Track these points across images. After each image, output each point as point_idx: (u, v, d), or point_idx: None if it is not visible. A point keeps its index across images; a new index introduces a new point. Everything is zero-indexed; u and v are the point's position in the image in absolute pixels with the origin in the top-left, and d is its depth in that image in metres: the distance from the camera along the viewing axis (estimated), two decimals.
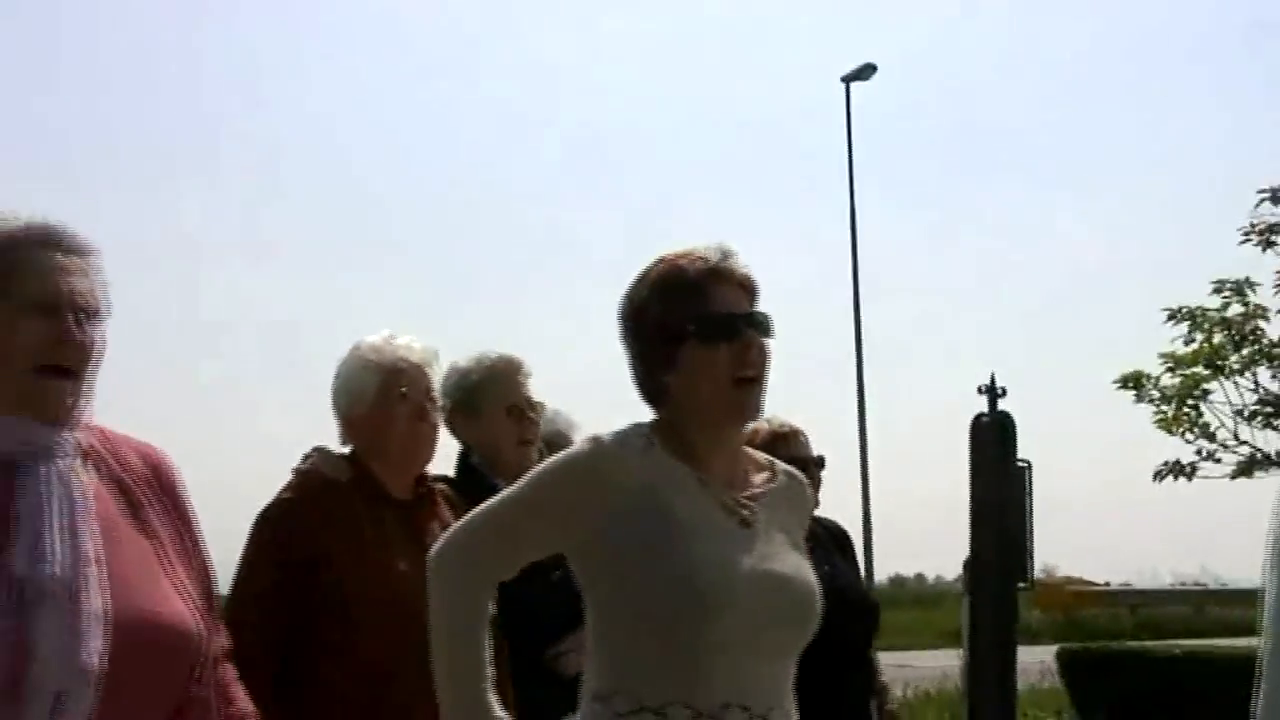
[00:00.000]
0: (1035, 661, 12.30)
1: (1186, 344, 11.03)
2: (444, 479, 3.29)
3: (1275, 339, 10.87)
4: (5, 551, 1.77)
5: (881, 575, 29.02)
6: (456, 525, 2.21)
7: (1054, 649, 12.68)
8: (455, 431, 3.47)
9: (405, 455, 3.04)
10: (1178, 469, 10.87)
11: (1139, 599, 27.51)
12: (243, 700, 2.09)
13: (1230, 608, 26.42)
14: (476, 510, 2.18)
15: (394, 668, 2.74)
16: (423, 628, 2.14)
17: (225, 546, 2.55)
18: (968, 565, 5.91)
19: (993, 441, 5.74)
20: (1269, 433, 10.88)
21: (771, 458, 2.34)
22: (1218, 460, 10.91)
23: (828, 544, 3.84)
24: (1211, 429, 10.91)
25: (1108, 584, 29.99)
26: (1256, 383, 10.94)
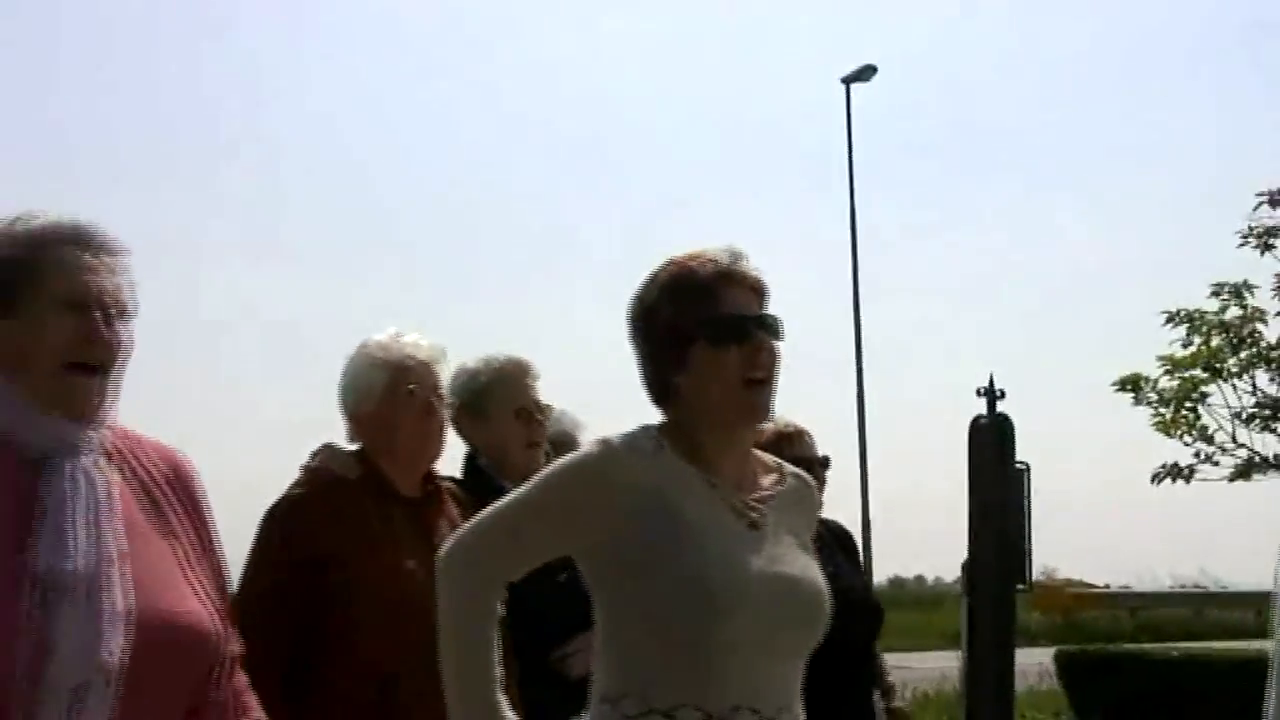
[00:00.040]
0: (1034, 663, 12.33)
1: (1185, 347, 11.05)
2: (450, 480, 3.28)
3: (1273, 342, 10.88)
4: (28, 547, 1.78)
5: (881, 577, 29.03)
6: (465, 527, 2.21)
7: (1052, 651, 12.71)
8: (462, 433, 3.46)
9: (413, 452, 3.03)
10: (1176, 472, 10.89)
11: (1138, 601, 27.49)
12: (256, 710, 2.10)
13: (1230, 610, 26.43)
14: (485, 512, 2.18)
15: (402, 667, 2.73)
16: (431, 627, 2.14)
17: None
18: (966, 567, 5.94)
19: (991, 444, 5.77)
20: (1267, 435, 10.91)
21: (780, 460, 2.34)
22: (1216, 463, 10.93)
23: (831, 545, 3.86)
24: (1210, 432, 10.93)
25: (1107, 586, 29.97)
26: (1254, 385, 10.96)
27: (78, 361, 1.89)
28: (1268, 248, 10.94)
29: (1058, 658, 11.94)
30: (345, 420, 3.06)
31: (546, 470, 2.17)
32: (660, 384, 2.20)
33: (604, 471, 2.09)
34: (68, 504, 1.83)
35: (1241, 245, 10.98)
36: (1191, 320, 10.99)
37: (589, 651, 3.08)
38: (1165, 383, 11.09)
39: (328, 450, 3.04)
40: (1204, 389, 10.99)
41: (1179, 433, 10.95)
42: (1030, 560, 6.12)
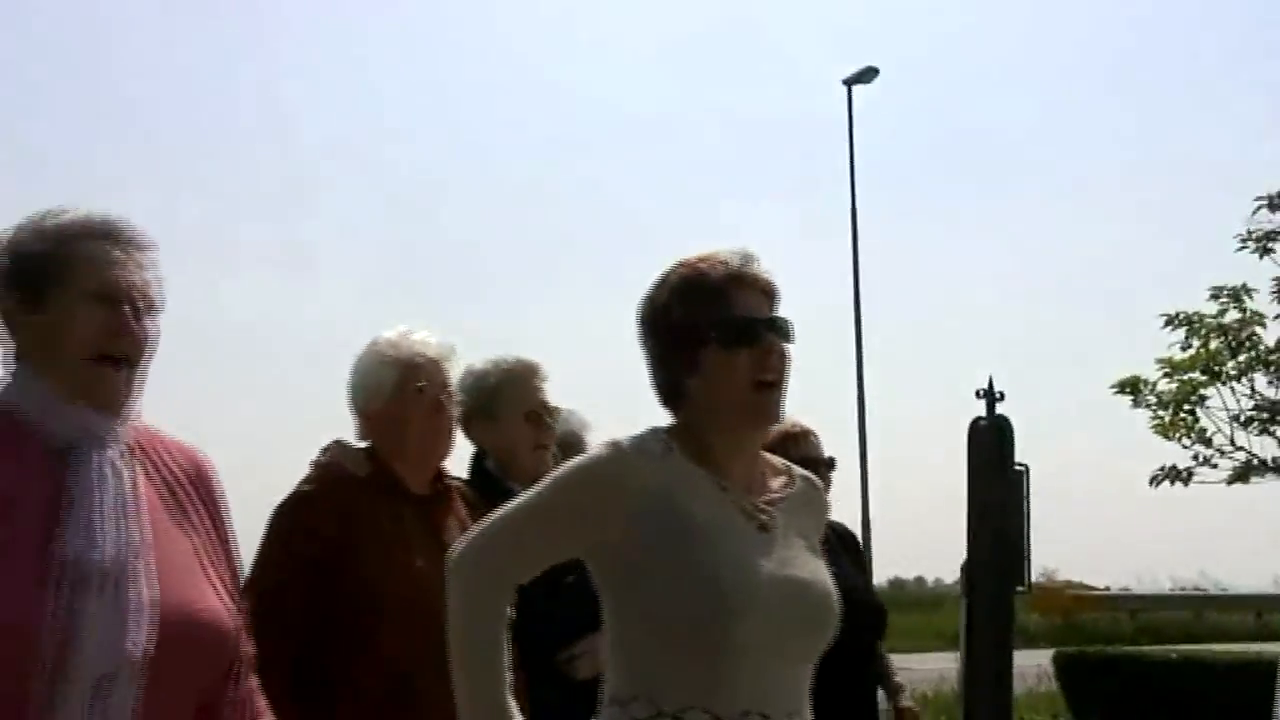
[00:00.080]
0: (1033, 665, 12.35)
1: (1184, 350, 11.09)
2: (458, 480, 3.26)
3: (1272, 345, 10.92)
4: (56, 536, 1.80)
5: (881, 578, 29.01)
6: (475, 530, 2.20)
7: (1051, 652, 12.72)
8: (471, 435, 3.45)
9: (423, 450, 3.03)
10: (1174, 474, 10.92)
11: (1138, 603, 27.48)
12: (266, 714, 2.10)
13: (1230, 613, 26.44)
14: (495, 515, 2.17)
15: (413, 666, 2.73)
16: (442, 626, 2.14)
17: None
18: (965, 568, 5.96)
19: (990, 445, 5.78)
20: (1265, 439, 10.94)
21: (788, 463, 2.34)
22: (1214, 466, 10.97)
23: (835, 545, 3.89)
24: (1208, 434, 10.97)
25: (1107, 588, 29.93)
26: (1253, 389, 11.00)
27: (105, 354, 1.91)
28: (1267, 251, 10.99)
29: (1056, 659, 11.96)
30: (354, 418, 3.06)
31: (555, 473, 2.16)
32: (670, 386, 2.19)
33: (613, 474, 2.08)
34: (95, 495, 1.85)
35: (1241, 249, 11.04)
36: (1190, 323, 11.02)
37: (595, 653, 3.11)
38: (1164, 385, 11.14)
39: (337, 447, 3.03)
40: (1203, 392, 11.03)
41: (1177, 435, 10.99)
42: (1029, 562, 6.13)
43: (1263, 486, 11.00)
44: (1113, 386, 11.27)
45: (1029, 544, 6.09)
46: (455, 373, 3.14)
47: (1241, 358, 10.94)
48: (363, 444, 3.05)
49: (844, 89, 22.12)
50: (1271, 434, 10.90)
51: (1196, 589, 30.82)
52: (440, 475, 3.10)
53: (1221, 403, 11.05)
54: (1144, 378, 11.18)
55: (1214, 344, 10.97)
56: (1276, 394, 10.97)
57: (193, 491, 2.02)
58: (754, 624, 2.02)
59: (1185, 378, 11.03)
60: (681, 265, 2.21)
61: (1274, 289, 10.91)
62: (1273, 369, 10.91)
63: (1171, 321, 11.08)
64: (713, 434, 2.16)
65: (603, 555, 2.10)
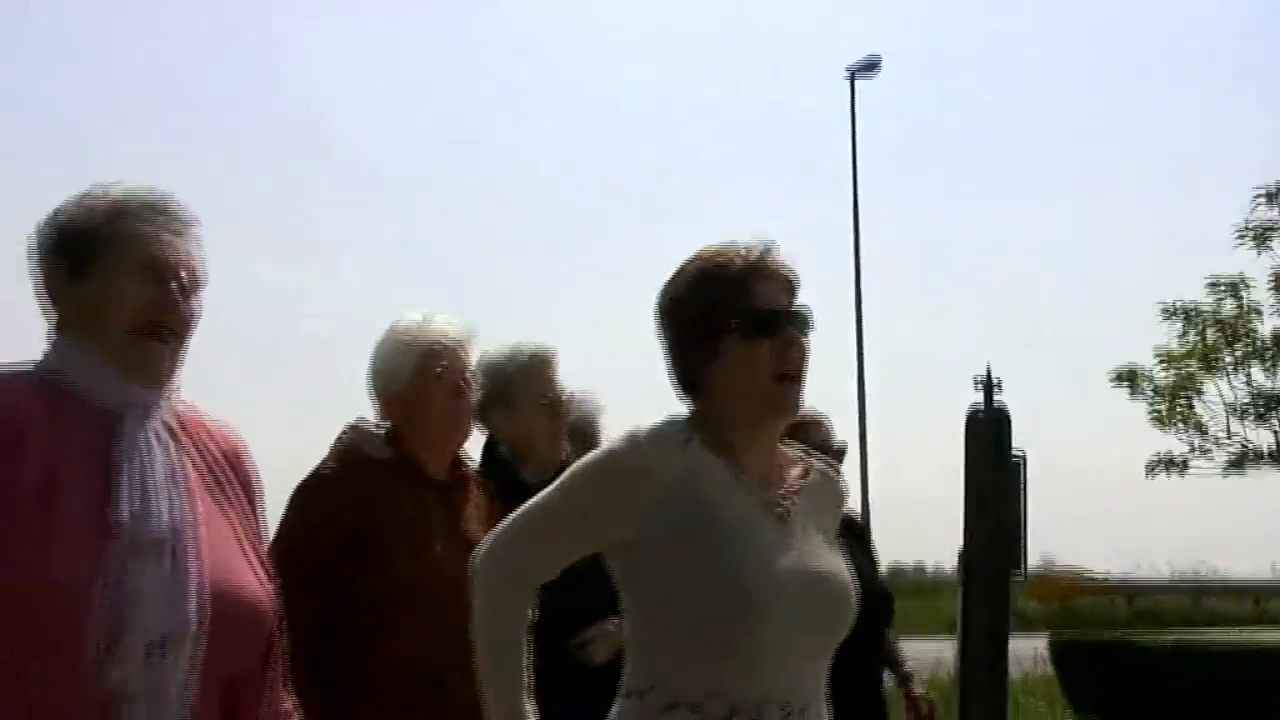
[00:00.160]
0: (1030, 650, 12.47)
1: (1181, 341, 11.20)
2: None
3: (1268, 337, 11.03)
4: (109, 501, 1.80)
5: (880, 564, 29.02)
6: (499, 529, 2.17)
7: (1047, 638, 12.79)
8: (487, 423, 3.43)
9: (443, 434, 3.01)
10: (1170, 463, 11.03)
11: (1135, 590, 27.56)
12: (286, 700, 2.08)
13: (1228, 600, 26.50)
14: (518, 514, 2.15)
15: (434, 653, 2.72)
16: (461, 613, 2.14)
17: None
18: (962, 555, 6.03)
19: (988, 434, 5.85)
20: (1260, 429, 11.06)
21: (805, 451, 2.32)
22: (1210, 455, 11.08)
23: (844, 533, 3.97)
24: (1204, 424, 11.09)
25: (1107, 575, 29.97)
26: (1249, 379, 11.12)
27: (150, 327, 1.90)
28: (1264, 244, 11.09)
29: (1051, 644, 12.02)
30: (374, 402, 3.04)
31: (575, 468, 2.14)
32: (688, 376, 2.16)
33: (633, 467, 2.07)
34: (145, 464, 1.85)
35: (1238, 242, 11.15)
36: (1188, 315, 11.12)
37: (608, 636, 3.18)
38: (1161, 376, 11.25)
39: (357, 429, 3.02)
40: (1199, 382, 11.14)
41: (1174, 425, 11.11)
42: (1025, 549, 6.22)
43: (1259, 476, 11.13)
44: (1111, 376, 11.38)
45: (1026, 531, 6.17)
46: (475, 357, 3.11)
47: (1238, 349, 11.04)
48: (383, 428, 3.03)
49: (846, 80, 22.16)
50: (1267, 424, 11.01)
51: (1195, 576, 30.87)
52: (459, 461, 3.08)
53: (1218, 393, 11.18)
54: (1142, 368, 11.28)
55: (1211, 335, 11.07)
56: (1272, 385, 11.08)
57: (230, 472, 2.02)
58: (774, 616, 2.01)
59: (1182, 368, 11.13)
60: (701, 255, 2.17)
61: (1271, 281, 11.02)
62: (1268, 360, 11.01)
63: (1169, 313, 11.17)
64: (731, 425, 2.13)
65: (623, 547, 2.08)
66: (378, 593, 2.80)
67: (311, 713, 2.19)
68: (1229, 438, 11.03)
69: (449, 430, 3.03)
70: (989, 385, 5.85)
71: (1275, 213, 11.11)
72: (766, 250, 2.16)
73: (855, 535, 4.19)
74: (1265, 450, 10.98)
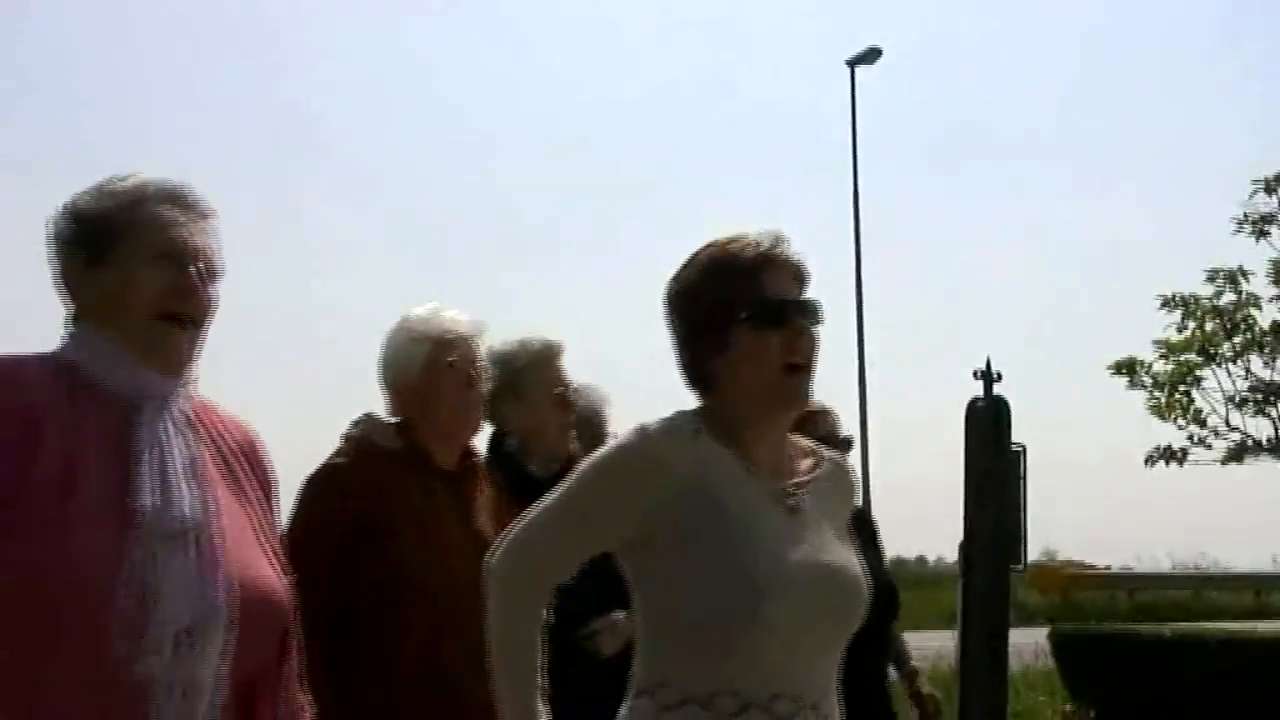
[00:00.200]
0: (1031, 643, 12.46)
1: (1180, 331, 11.19)
2: None
3: (1267, 327, 11.02)
4: (130, 490, 1.80)
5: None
6: (513, 529, 2.15)
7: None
8: (496, 415, 3.42)
9: (454, 425, 3.02)
10: (1169, 454, 11.03)
11: (1136, 582, 27.58)
12: (301, 694, 2.08)
13: (1228, 592, 26.52)
14: (532, 514, 2.14)
15: (443, 644, 2.73)
16: (469, 603, 2.14)
17: None
18: (962, 547, 6.03)
19: (988, 425, 5.85)
20: (1260, 419, 11.06)
21: (817, 444, 2.31)
22: (1209, 446, 11.08)
23: (853, 527, 3.95)
24: (1203, 415, 11.08)
25: (1109, 567, 30.02)
26: (1248, 370, 11.11)
27: (170, 313, 1.90)
28: (1263, 234, 11.09)
29: (1051, 636, 12.03)
30: (385, 394, 3.05)
31: (585, 464, 2.13)
32: (697, 367, 2.16)
33: (643, 463, 2.05)
34: (164, 453, 1.85)
35: (1237, 232, 11.14)
36: (1186, 305, 11.11)
37: (615, 627, 3.18)
38: (1160, 366, 11.24)
39: (369, 420, 3.02)
40: (1198, 373, 11.14)
41: (1173, 416, 11.10)
42: (1025, 540, 6.22)
43: (1259, 466, 11.13)
44: (1110, 367, 11.37)
45: (1026, 523, 6.17)
46: (485, 348, 3.12)
47: (1237, 339, 11.04)
48: (393, 419, 3.04)
49: (847, 70, 22.13)
50: (1266, 415, 11.01)
51: (1197, 568, 30.91)
52: (469, 452, 3.09)
53: (1217, 384, 11.17)
54: (1140, 359, 11.27)
55: (1210, 326, 11.06)
56: (1271, 375, 11.08)
57: (246, 464, 2.02)
58: (785, 610, 2.00)
59: (1181, 359, 11.13)
60: (711, 246, 2.17)
61: (1270, 271, 11.01)
62: (1267, 350, 11.01)
63: (1168, 303, 11.16)
64: (741, 416, 2.13)
65: (634, 544, 2.07)
66: (389, 583, 2.80)
67: (325, 706, 2.19)
68: (1228, 428, 11.03)
69: (460, 421, 3.04)
70: (988, 376, 5.85)
71: (1274, 203, 11.11)
72: (776, 241, 2.16)
73: (863, 529, 4.19)
74: (1264, 441, 10.97)
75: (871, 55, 22.12)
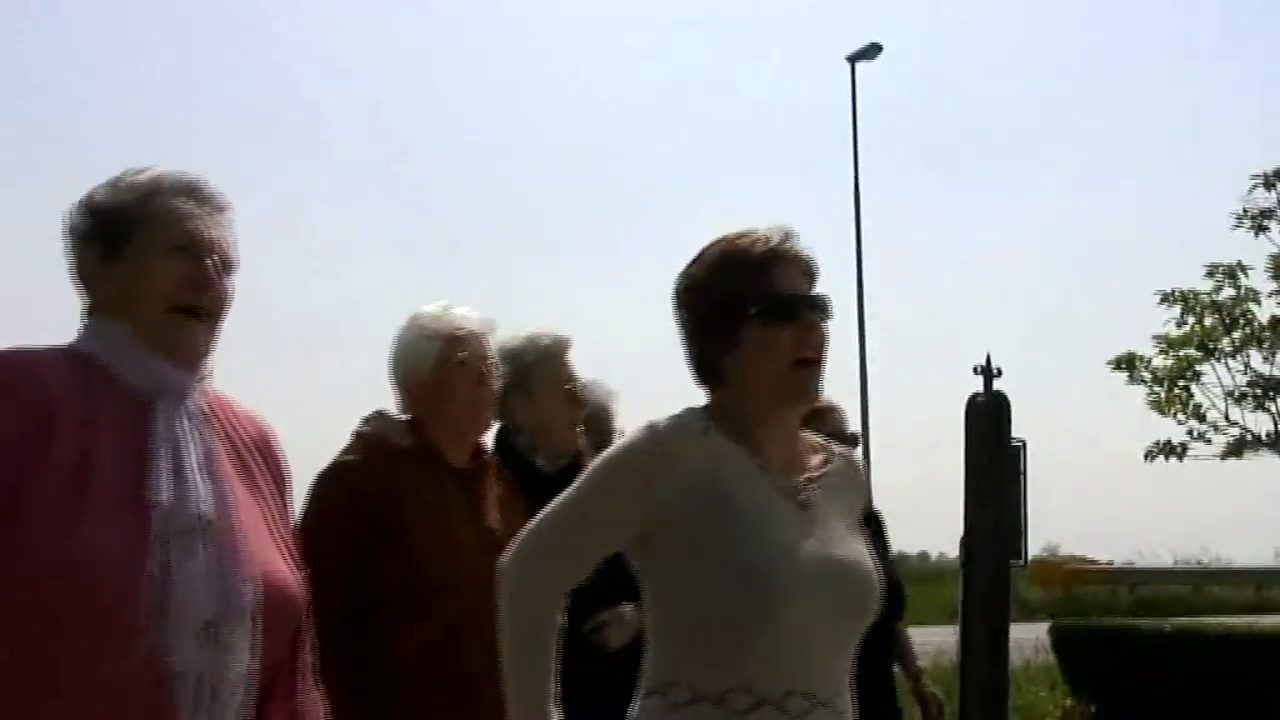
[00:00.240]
0: (1031, 638, 12.48)
1: (1179, 326, 11.20)
2: None
3: (1266, 322, 11.04)
4: (148, 484, 1.80)
5: None
6: (525, 532, 2.13)
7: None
8: (506, 411, 3.40)
9: (465, 422, 3.02)
10: (1168, 449, 11.05)
11: (1137, 577, 27.57)
12: (314, 689, 2.08)
13: (1229, 587, 26.51)
14: (543, 517, 2.12)
15: (454, 641, 2.73)
16: (484, 602, 2.13)
17: None
18: (963, 542, 6.05)
19: (988, 421, 5.88)
20: (1259, 414, 11.08)
21: (827, 440, 2.31)
22: (1208, 441, 11.10)
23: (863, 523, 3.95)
24: (1202, 410, 11.10)
25: (1110, 563, 30.01)
26: (1247, 365, 11.12)
27: (186, 305, 1.90)
28: (1262, 229, 11.11)
29: (1051, 631, 12.05)
30: (396, 391, 3.05)
31: (596, 465, 2.12)
32: (706, 363, 2.15)
33: (654, 458, 2.04)
34: (181, 447, 1.85)
35: (1236, 227, 11.16)
36: (1186, 300, 11.11)
37: (622, 619, 3.20)
38: (1160, 362, 11.26)
39: (380, 418, 3.02)
40: (1197, 368, 11.16)
41: (1173, 411, 11.12)
42: (1026, 536, 6.24)
43: (1259, 461, 11.15)
44: (1109, 363, 11.39)
45: (1026, 519, 6.20)
46: (495, 346, 3.12)
47: (1236, 334, 11.05)
48: (404, 417, 3.04)
49: (847, 66, 22.12)
50: (1265, 410, 11.03)
51: (1198, 563, 30.88)
52: (480, 449, 3.10)
53: (1216, 379, 11.19)
54: (1140, 354, 11.29)
55: (1209, 321, 11.07)
56: (1271, 370, 11.10)
57: (260, 459, 2.02)
58: (798, 607, 1.99)
59: (1181, 354, 11.15)
60: (721, 241, 2.16)
61: (1269, 266, 11.03)
62: (1266, 346, 11.02)
63: (1167, 298, 11.17)
64: (751, 412, 2.12)
65: (646, 542, 2.05)
66: (400, 580, 2.81)
67: (337, 703, 2.19)
68: (1227, 423, 11.06)
69: (471, 418, 3.05)
70: (988, 372, 5.88)
71: (1273, 198, 11.12)
72: (786, 236, 2.15)
73: (872, 525, 4.21)
74: (1264, 435, 10.99)
75: (872, 51, 22.09)
